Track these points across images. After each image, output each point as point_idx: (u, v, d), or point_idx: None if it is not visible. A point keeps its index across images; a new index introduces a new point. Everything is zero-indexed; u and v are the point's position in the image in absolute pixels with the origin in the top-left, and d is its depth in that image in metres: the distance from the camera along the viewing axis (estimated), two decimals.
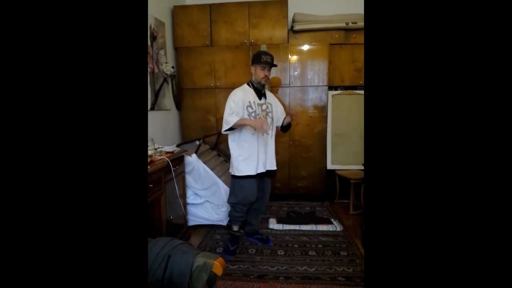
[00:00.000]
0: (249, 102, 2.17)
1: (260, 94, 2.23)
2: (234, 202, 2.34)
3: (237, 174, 2.24)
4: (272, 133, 2.28)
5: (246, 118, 2.11)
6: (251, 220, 2.50)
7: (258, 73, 2.17)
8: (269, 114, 2.25)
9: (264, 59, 2.14)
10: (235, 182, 2.29)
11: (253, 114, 2.16)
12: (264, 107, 2.23)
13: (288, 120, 2.36)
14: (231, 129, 2.11)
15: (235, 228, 2.44)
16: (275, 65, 2.23)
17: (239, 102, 2.13)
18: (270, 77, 2.27)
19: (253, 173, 2.21)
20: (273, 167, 2.34)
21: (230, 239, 2.41)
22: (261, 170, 2.24)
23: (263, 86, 2.23)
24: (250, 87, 2.24)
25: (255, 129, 2.08)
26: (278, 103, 2.39)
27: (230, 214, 2.46)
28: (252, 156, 2.20)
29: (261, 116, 2.19)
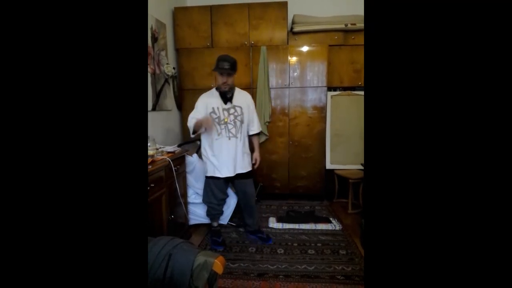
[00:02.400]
0: (213, 108, 2.24)
1: (226, 98, 2.26)
2: (205, 201, 2.48)
3: (205, 174, 2.41)
4: (240, 137, 2.30)
5: (197, 118, 2.17)
6: (246, 220, 2.56)
7: (218, 79, 2.22)
8: (238, 118, 2.27)
9: (221, 66, 2.15)
10: (205, 181, 2.47)
11: (217, 120, 2.23)
12: (231, 111, 2.26)
13: (255, 156, 2.46)
14: (195, 132, 2.22)
15: (215, 224, 2.56)
16: (234, 71, 2.22)
17: (201, 107, 2.24)
18: (232, 82, 2.25)
19: (218, 175, 2.31)
20: (244, 170, 2.36)
21: (212, 234, 2.52)
22: (229, 174, 2.30)
23: (229, 90, 2.24)
24: (217, 91, 2.28)
25: (205, 128, 2.16)
26: (251, 104, 2.38)
27: (207, 213, 2.55)
28: (220, 159, 2.28)
29: (225, 121, 2.24)
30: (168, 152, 2.24)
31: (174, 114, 3.38)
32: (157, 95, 2.90)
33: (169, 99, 3.18)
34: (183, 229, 2.46)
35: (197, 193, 2.71)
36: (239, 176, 2.36)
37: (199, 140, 3.00)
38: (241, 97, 2.34)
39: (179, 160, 2.35)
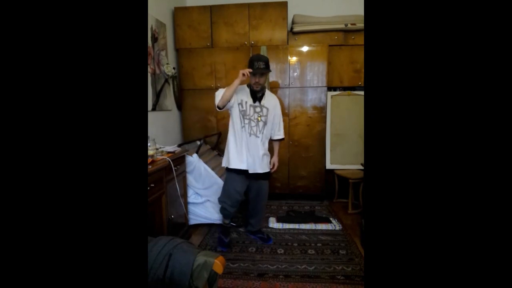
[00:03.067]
0: (241, 100, 2.24)
1: (256, 97, 2.26)
2: (220, 199, 2.45)
3: (228, 166, 2.35)
4: (261, 137, 2.29)
5: (232, 84, 2.11)
6: (250, 219, 2.55)
7: (251, 79, 2.21)
8: (262, 118, 2.28)
9: (257, 66, 2.15)
10: (227, 177, 2.41)
11: (242, 113, 2.24)
12: (258, 109, 2.27)
13: (273, 160, 2.44)
14: (221, 108, 2.20)
15: (226, 220, 2.51)
16: (269, 70, 2.24)
17: (236, 93, 2.21)
18: (264, 81, 2.25)
19: (243, 167, 2.28)
20: (262, 170, 2.33)
21: (222, 231, 2.50)
22: (247, 167, 2.29)
23: (259, 90, 2.24)
24: (248, 87, 2.29)
25: (242, 75, 2.06)
26: (278, 109, 2.39)
27: (220, 211, 2.52)
28: (241, 152, 2.28)
29: (251, 118, 2.24)
30: (168, 152, 2.24)
31: (174, 114, 3.38)
32: (157, 95, 2.90)
33: (169, 99, 3.18)
34: (183, 229, 2.46)
35: (197, 193, 2.71)
36: (256, 175, 2.33)
37: (199, 140, 3.01)
38: (270, 99, 2.33)
39: (179, 160, 2.36)
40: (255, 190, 2.43)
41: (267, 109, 2.29)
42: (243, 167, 2.28)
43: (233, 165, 2.30)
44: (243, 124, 2.25)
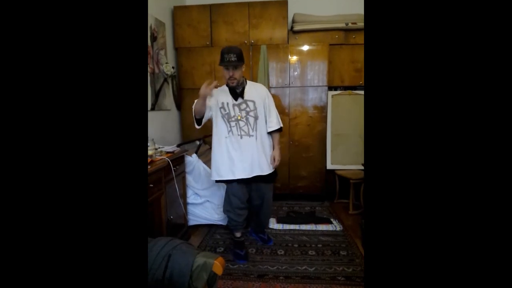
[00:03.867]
0: (222, 103, 2.07)
1: (236, 94, 2.08)
2: (224, 209, 2.29)
3: (216, 179, 2.18)
4: (256, 135, 2.09)
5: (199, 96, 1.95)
6: (254, 219, 2.45)
7: (224, 74, 2.04)
8: (250, 113, 2.08)
9: (227, 59, 1.95)
10: (227, 187, 2.23)
11: (226, 117, 2.07)
12: (242, 106, 2.08)
13: (273, 154, 2.20)
14: (199, 122, 2.10)
15: (237, 234, 2.31)
16: (241, 63, 1.99)
17: (212, 99, 2.07)
18: (240, 75, 2.05)
19: (232, 177, 2.10)
20: (263, 172, 2.13)
21: (235, 245, 2.29)
22: (244, 175, 2.09)
23: (238, 85, 2.08)
24: (227, 86, 2.12)
25: (203, 95, 1.91)
26: (267, 98, 2.16)
27: (228, 224, 2.35)
28: (232, 160, 2.09)
29: (237, 118, 2.06)
30: (167, 152, 2.22)
31: (173, 113, 3.36)
32: (156, 94, 2.88)
33: (168, 99, 3.16)
34: (182, 230, 2.44)
35: (196, 194, 2.69)
36: (258, 179, 2.13)
37: (199, 140, 2.99)
38: (254, 90, 2.12)
39: (178, 160, 2.34)
40: (259, 196, 2.24)
41: (253, 102, 2.09)
42: (238, 176, 2.08)
43: (225, 177, 2.11)
44: (229, 128, 2.06)
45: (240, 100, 2.09)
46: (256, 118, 2.10)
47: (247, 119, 2.08)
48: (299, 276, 1.96)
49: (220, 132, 2.10)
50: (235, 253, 2.23)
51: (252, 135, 2.09)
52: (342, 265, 2.10)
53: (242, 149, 2.08)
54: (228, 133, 2.08)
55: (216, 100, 2.09)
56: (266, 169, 2.15)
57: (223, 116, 2.08)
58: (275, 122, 2.18)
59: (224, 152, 2.10)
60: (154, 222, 1.93)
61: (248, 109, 2.08)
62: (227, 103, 2.08)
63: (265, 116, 2.15)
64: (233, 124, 2.07)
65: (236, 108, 2.08)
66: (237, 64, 1.98)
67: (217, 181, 2.25)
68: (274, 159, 2.19)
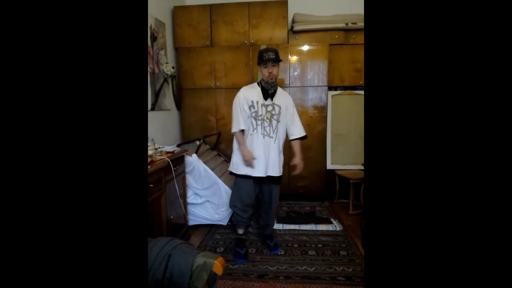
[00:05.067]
0: (252, 101, 2.14)
1: (267, 94, 2.15)
2: (231, 204, 2.36)
3: (234, 171, 2.26)
4: (276, 137, 2.17)
5: (243, 146, 2.15)
6: (263, 224, 2.47)
7: (263, 72, 2.11)
8: (274, 117, 2.16)
9: (266, 57, 2.06)
10: (234, 181, 2.32)
11: (254, 115, 2.13)
12: (269, 108, 2.15)
13: (295, 161, 2.28)
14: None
15: (240, 231, 2.40)
16: (280, 60, 2.10)
17: (242, 102, 2.14)
18: (277, 72, 2.13)
19: (250, 174, 2.18)
20: (275, 173, 2.22)
21: (236, 243, 2.35)
22: (260, 174, 2.17)
23: (272, 86, 2.15)
24: (259, 86, 2.18)
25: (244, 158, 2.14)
26: (291, 107, 2.25)
27: (232, 218, 2.40)
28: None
29: (264, 118, 2.13)
30: (167, 152, 2.21)
31: (173, 113, 3.36)
32: (156, 94, 2.88)
33: (168, 99, 3.15)
34: (182, 230, 2.44)
35: (196, 194, 2.69)
36: (269, 179, 2.22)
37: (199, 140, 2.99)
38: (282, 97, 2.22)
39: (178, 160, 2.33)
40: (268, 195, 2.31)
41: (280, 107, 2.17)
42: (256, 174, 2.17)
43: (243, 171, 2.20)
44: (255, 126, 2.14)
45: (269, 101, 2.17)
46: (278, 122, 2.18)
47: (271, 121, 2.16)
48: (299, 276, 1.96)
49: (247, 127, 2.18)
50: (235, 252, 2.25)
51: (272, 137, 2.17)
52: (342, 265, 2.10)
53: (263, 148, 2.16)
54: (253, 131, 2.15)
55: (246, 98, 2.16)
56: (277, 171, 2.23)
57: (251, 114, 2.15)
58: (299, 130, 2.27)
59: (250, 146, 2.18)
60: (154, 222, 1.92)
61: (273, 112, 2.17)
62: (257, 102, 2.14)
63: (285, 123, 2.24)
64: (259, 123, 2.15)
65: (264, 109, 2.15)
66: (276, 60, 2.07)
67: (232, 174, 2.31)
68: (297, 167, 2.28)
